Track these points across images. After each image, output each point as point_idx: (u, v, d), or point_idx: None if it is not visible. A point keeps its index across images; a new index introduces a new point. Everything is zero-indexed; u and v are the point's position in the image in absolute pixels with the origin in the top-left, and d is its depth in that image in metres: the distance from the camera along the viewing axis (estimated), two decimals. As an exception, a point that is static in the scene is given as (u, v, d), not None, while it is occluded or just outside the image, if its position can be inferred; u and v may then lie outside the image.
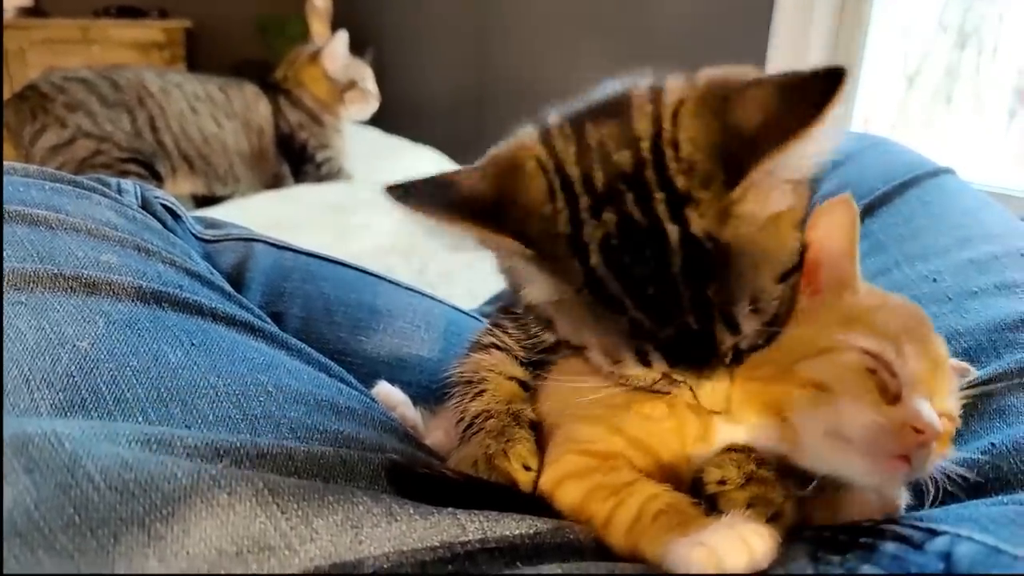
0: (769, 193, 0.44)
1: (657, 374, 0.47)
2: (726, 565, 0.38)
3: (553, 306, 0.49)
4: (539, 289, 0.48)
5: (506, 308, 0.63)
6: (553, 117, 0.50)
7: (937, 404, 0.43)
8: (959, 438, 0.53)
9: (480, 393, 0.57)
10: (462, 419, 0.57)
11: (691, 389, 0.48)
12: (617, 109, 0.47)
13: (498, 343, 0.60)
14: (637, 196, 0.44)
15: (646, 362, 0.46)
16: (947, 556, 0.37)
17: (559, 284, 0.46)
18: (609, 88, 0.50)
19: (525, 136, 0.49)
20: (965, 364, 0.52)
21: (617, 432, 0.49)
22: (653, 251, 0.43)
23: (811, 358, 0.45)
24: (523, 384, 0.58)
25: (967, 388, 0.48)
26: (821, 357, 0.44)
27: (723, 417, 0.48)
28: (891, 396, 0.42)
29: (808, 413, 0.44)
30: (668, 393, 0.49)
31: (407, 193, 0.47)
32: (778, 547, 0.40)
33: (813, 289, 0.48)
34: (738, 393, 0.47)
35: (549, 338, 0.55)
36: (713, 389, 0.47)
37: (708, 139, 0.44)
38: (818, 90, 0.41)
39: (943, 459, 0.44)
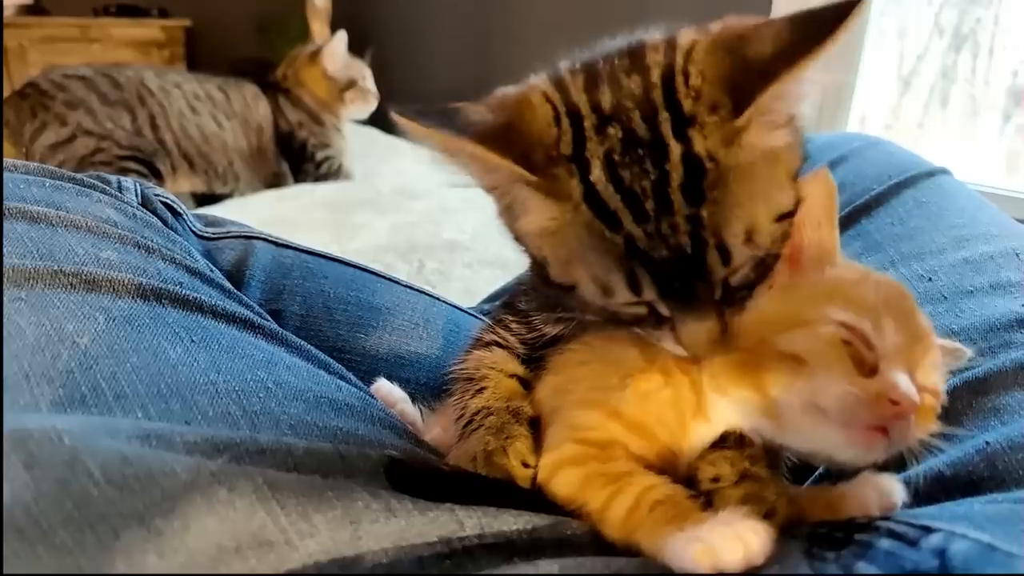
0: (773, 128, 0.45)
1: (643, 309, 0.48)
2: (722, 561, 0.38)
3: (548, 239, 0.49)
4: (536, 217, 0.48)
5: (508, 304, 0.63)
6: (564, 62, 0.51)
7: (918, 377, 0.43)
8: (954, 437, 0.53)
9: (481, 390, 0.57)
10: (462, 416, 0.57)
11: (673, 329, 0.48)
12: (630, 52, 0.49)
13: (499, 340, 0.60)
14: (643, 115, 0.45)
15: (636, 288, 0.46)
16: (942, 553, 0.37)
17: (558, 206, 0.46)
18: (622, 40, 0.51)
19: (534, 79, 0.51)
20: (958, 344, 0.52)
21: (614, 415, 0.50)
22: (654, 166, 0.44)
23: (789, 331, 0.45)
24: (523, 382, 0.58)
25: (952, 358, 0.49)
26: (798, 330, 0.45)
27: (715, 391, 0.48)
28: (868, 368, 0.43)
29: (786, 387, 0.44)
30: (653, 341, 0.50)
31: (418, 115, 0.47)
32: (773, 544, 0.41)
33: (794, 263, 0.48)
34: (723, 367, 0.47)
35: (550, 331, 0.55)
36: (696, 329, 0.46)
37: (719, 72, 0.45)
38: (830, 16, 0.43)
39: (926, 433, 0.44)
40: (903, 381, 0.41)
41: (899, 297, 0.47)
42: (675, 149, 0.44)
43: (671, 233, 0.44)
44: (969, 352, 0.52)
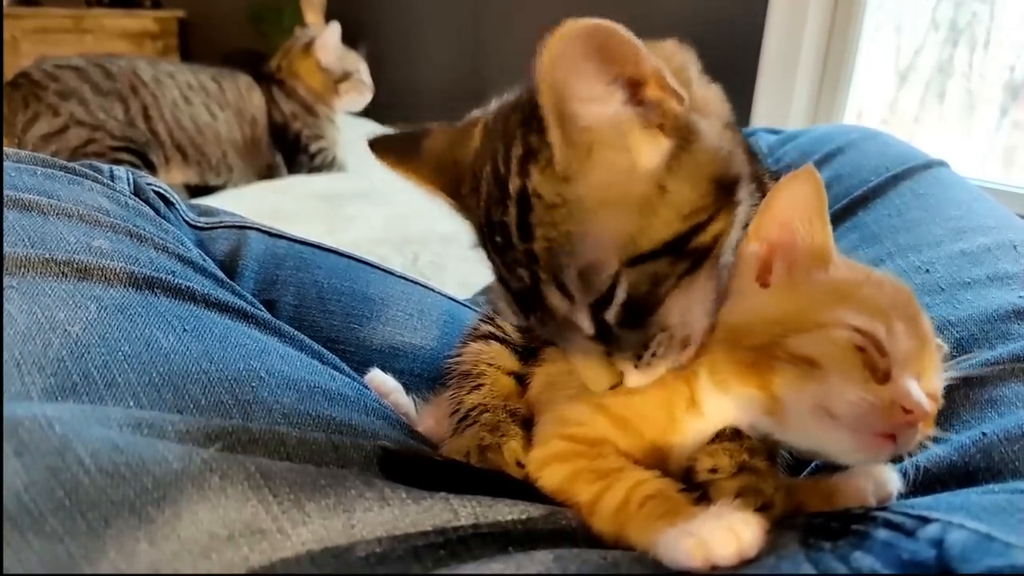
0: (612, 158, 0.43)
1: (521, 322, 0.50)
2: (715, 555, 0.38)
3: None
4: (471, 238, 0.52)
5: None
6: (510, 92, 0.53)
7: (924, 383, 0.43)
8: (951, 428, 0.53)
9: (477, 387, 0.57)
10: (457, 411, 0.57)
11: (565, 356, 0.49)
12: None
13: (496, 332, 0.60)
14: (505, 148, 0.46)
15: (518, 314, 0.48)
16: (939, 543, 0.37)
17: (475, 233, 0.50)
18: None
19: (490, 107, 0.53)
20: (938, 341, 0.51)
21: (600, 410, 0.49)
22: (502, 201, 0.46)
23: (801, 333, 0.44)
24: (520, 378, 0.58)
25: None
26: (811, 333, 0.44)
27: (717, 387, 0.47)
28: (880, 375, 0.42)
29: (796, 388, 0.44)
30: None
31: (381, 144, 0.54)
32: (768, 535, 0.41)
33: (790, 261, 0.48)
34: (725, 362, 0.46)
35: None
36: (584, 364, 0.47)
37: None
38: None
39: (926, 439, 0.44)
40: (915, 389, 0.41)
41: (906, 299, 0.46)
42: (514, 184, 0.45)
43: (515, 266, 0.46)
44: (946, 347, 0.51)
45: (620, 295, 0.44)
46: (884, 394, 0.41)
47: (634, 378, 0.47)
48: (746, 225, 0.49)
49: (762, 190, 0.53)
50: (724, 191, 0.46)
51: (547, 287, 0.45)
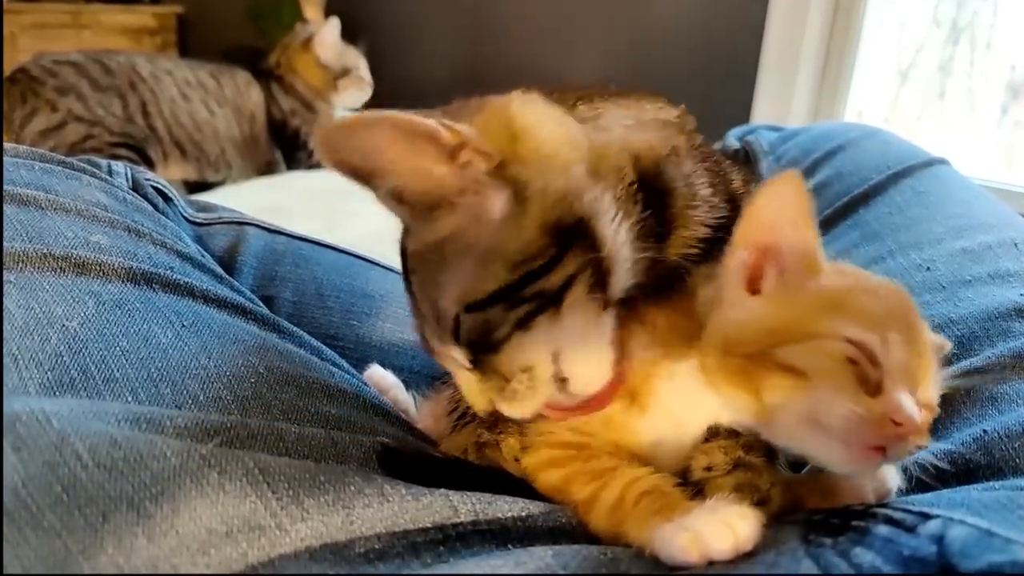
0: (456, 216, 0.46)
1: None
2: (711, 550, 0.38)
3: None
4: None
5: None
6: None
7: (919, 395, 0.43)
8: (952, 425, 0.53)
9: None
10: (456, 408, 0.57)
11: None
12: None
13: None
14: None
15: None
16: (940, 539, 0.37)
17: None
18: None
19: None
20: (941, 339, 0.51)
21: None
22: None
23: (792, 343, 0.44)
24: None
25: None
26: (803, 343, 0.43)
27: (710, 387, 0.47)
28: (872, 386, 0.42)
29: (786, 398, 0.43)
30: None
31: None
32: (769, 530, 0.40)
33: (779, 268, 0.47)
34: (717, 366, 0.46)
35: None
36: (467, 386, 0.49)
37: None
38: None
39: (919, 448, 0.43)
40: (907, 402, 0.41)
41: (903, 308, 0.45)
42: (400, 235, 0.51)
43: (411, 306, 0.51)
44: (949, 345, 0.51)
45: (462, 336, 0.47)
46: (875, 407, 0.41)
47: (504, 407, 0.48)
48: (643, 253, 0.48)
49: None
50: (566, 234, 0.45)
51: (423, 323, 0.49)
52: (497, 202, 0.45)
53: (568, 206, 0.45)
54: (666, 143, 0.51)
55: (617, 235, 0.46)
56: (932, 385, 0.45)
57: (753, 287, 0.47)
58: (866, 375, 0.41)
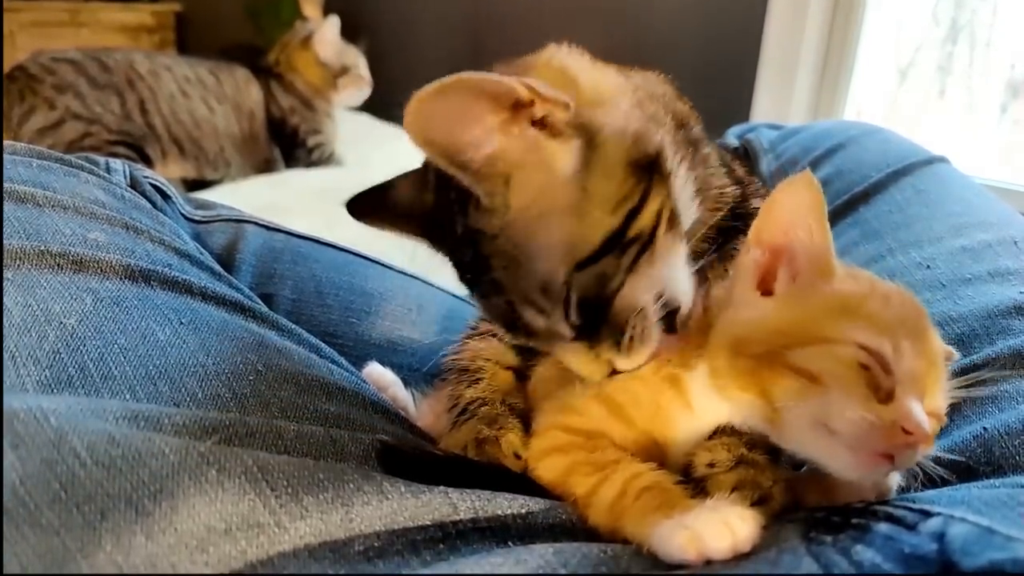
0: (528, 178, 0.45)
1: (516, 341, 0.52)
2: (709, 548, 0.38)
3: None
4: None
5: None
6: None
7: (928, 403, 0.42)
8: (952, 423, 0.53)
9: (476, 381, 0.57)
10: (455, 405, 0.57)
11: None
12: None
13: (495, 330, 0.60)
14: (447, 193, 0.49)
15: (502, 332, 0.51)
16: (941, 537, 0.37)
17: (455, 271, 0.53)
18: None
19: None
20: (949, 348, 0.51)
21: (597, 397, 0.49)
22: (458, 242, 0.49)
23: (804, 346, 0.43)
24: (519, 373, 0.58)
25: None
26: (816, 347, 0.43)
27: (717, 390, 0.47)
28: (884, 394, 0.41)
29: (795, 400, 0.43)
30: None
31: (357, 206, 0.57)
32: (770, 528, 0.40)
33: (792, 270, 0.47)
34: (726, 368, 0.46)
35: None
36: (572, 361, 0.49)
37: None
38: None
39: (924, 455, 0.43)
40: (918, 411, 0.40)
41: (915, 315, 0.45)
42: (460, 225, 0.48)
43: (489, 296, 0.49)
44: (957, 355, 0.51)
45: (573, 299, 0.46)
46: (885, 414, 0.40)
47: (622, 362, 0.48)
48: (699, 190, 0.51)
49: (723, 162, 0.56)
50: (646, 171, 0.47)
51: (520, 307, 0.48)
52: (574, 152, 0.46)
53: (645, 143, 0.47)
54: (691, 112, 0.54)
55: (679, 171, 0.49)
56: (940, 394, 0.44)
57: (765, 287, 0.47)
58: (878, 382, 0.41)
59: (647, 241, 0.46)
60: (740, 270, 0.48)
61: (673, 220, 0.48)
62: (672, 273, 0.48)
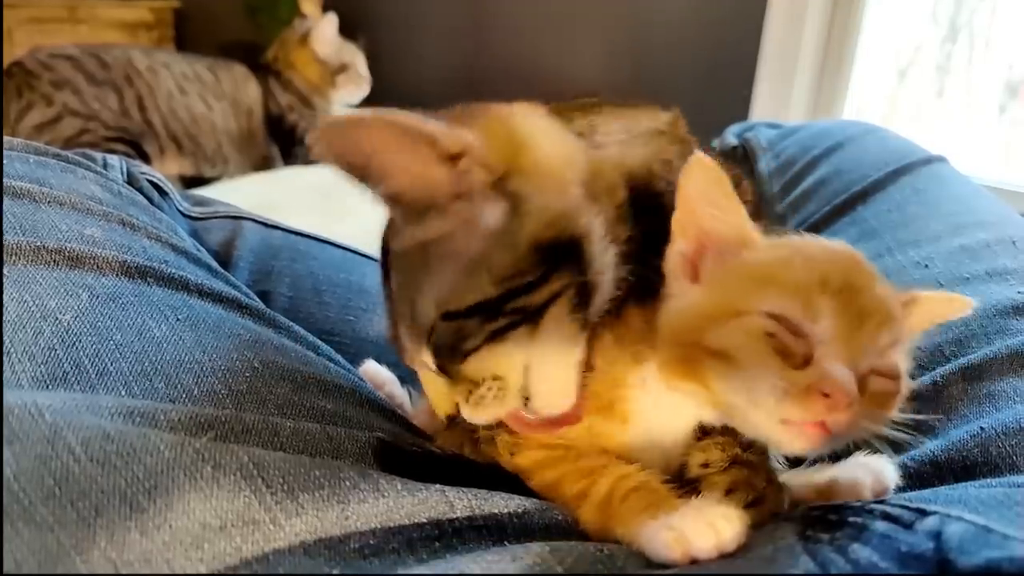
0: (445, 221, 0.45)
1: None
2: (694, 548, 0.38)
3: None
4: None
5: None
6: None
7: (866, 361, 0.40)
8: (949, 423, 0.53)
9: None
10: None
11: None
12: None
13: None
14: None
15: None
16: (937, 535, 0.36)
17: None
18: None
19: None
20: (955, 294, 0.46)
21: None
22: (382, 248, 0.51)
23: (718, 326, 0.42)
24: None
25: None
26: (726, 324, 0.42)
27: (666, 385, 0.46)
28: (799, 359, 0.39)
29: (723, 382, 0.41)
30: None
31: None
32: (766, 526, 0.40)
33: (714, 253, 0.45)
34: (668, 361, 0.45)
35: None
36: (434, 382, 0.50)
37: None
38: None
39: (885, 421, 0.41)
40: (836, 371, 0.38)
41: (844, 271, 0.42)
42: (382, 233, 0.50)
43: (387, 303, 0.52)
44: (972, 302, 0.46)
45: (433, 341, 0.47)
46: (800, 379, 0.38)
47: (466, 411, 0.47)
48: (625, 278, 0.48)
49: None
50: (555, 252, 0.45)
51: (400, 323, 0.49)
52: (492, 213, 0.45)
53: (564, 227, 0.45)
54: (658, 156, 0.51)
55: (605, 256, 0.46)
56: (889, 350, 0.41)
57: (696, 276, 0.46)
58: (788, 348, 0.39)
59: (528, 317, 0.45)
60: (669, 263, 0.47)
61: (579, 302, 0.45)
62: (548, 356, 0.46)
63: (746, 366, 0.40)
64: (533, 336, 0.45)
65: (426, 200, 0.45)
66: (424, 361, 0.48)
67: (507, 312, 0.44)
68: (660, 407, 0.47)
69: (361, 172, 0.45)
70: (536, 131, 0.48)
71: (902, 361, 0.42)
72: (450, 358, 0.46)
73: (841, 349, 0.39)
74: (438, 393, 0.49)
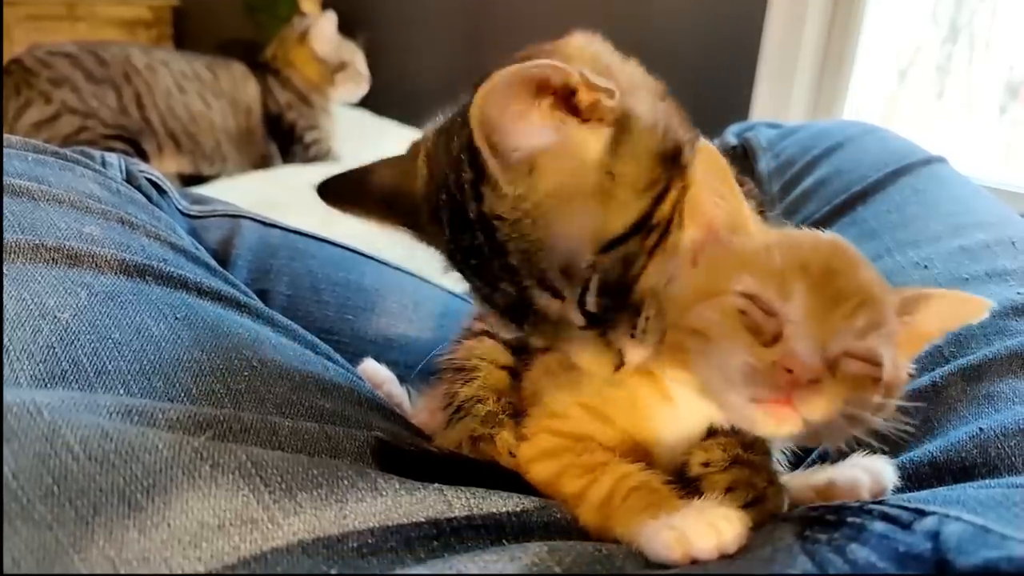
0: (557, 164, 0.45)
1: (515, 334, 0.51)
2: (695, 549, 0.38)
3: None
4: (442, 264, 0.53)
5: None
6: (439, 117, 0.54)
7: (838, 342, 0.40)
8: (948, 423, 0.53)
9: (471, 380, 0.57)
10: (451, 403, 0.57)
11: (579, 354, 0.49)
12: (464, 107, 0.49)
13: (489, 330, 0.60)
14: (456, 177, 0.47)
15: (507, 326, 0.51)
16: (935, 535, 0.36)
17: (443, 259, 0.52)
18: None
19: (430, 126, 0.54)
20: (971, 295, 0.46)
21: (577, 402, 0.50)
22: (467, 227, 0.47)
23: (698, 306, 0.43)
24: (513, 372, 0.58)
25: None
26: (704, 303, 0.43)
27: (666, 376, 0.47)
28: (769, 336, 0.40)
29: (700, 361, 0.43)
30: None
31: (328, 188, 0.56)
32: (765, 526, 0.40)
33: (711, 237, 0.47)
34: (661, 351, 0.46)
35: None
36: (582, 355, 0.48)
37: None
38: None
39: (867, 407, 0.40)
40: (800, 347, 0.39)
41: (825, 256, 0.43)
42: (472, 209, 0.47)
43: (497, 282, 0.48)
44: (991, 303, 0.46)
45: (595, 282, 0.46)
46: (767, 355, 0.39)
47: (634, 352, 0.48)
48: None
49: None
50: (670, 161, 0.48)
51: (533, 292, 0.47)
52: (599, 140, 0.46)
53: (669, 134, 0.48)
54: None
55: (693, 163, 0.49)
56: (866, 334, 0.41)
57: (696, 261, 0.48)
58: (758, 325, 0.40)
59: (664, 231, 0.47)
60: (680, 251, 0.48)
61: (682, 216, 0.48)
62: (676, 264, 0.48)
63: (719, 342, 0.41)
64: (666, 250, 0.47)
65: (544, 144, 0.45)
66: (574, 320, 0.47)
67: (653, 227, 0.47)
68: (687, 398, 0.47)
69: (496, 136, 0.44)
70: (607, 53, 0.51)
71: (887, 348, 0.41)
72: (617, 293, 0.46)
73: (812, 328, 0.40)
74: (594, 352, 0.48)
